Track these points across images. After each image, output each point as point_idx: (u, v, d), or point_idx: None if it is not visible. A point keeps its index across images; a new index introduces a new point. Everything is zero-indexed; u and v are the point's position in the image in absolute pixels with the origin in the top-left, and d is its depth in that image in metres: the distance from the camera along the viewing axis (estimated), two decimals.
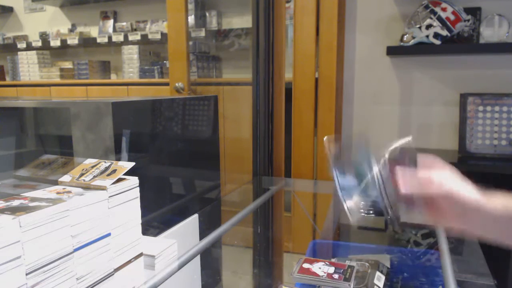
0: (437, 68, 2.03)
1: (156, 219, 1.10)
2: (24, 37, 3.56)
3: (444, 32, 1.82)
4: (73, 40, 3.17)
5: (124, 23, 3.18)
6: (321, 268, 0.81)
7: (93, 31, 3.34)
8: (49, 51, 3.41)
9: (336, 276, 0.79)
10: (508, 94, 1.83)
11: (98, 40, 3.10)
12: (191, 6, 2.72)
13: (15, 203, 0.51)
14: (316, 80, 2.07)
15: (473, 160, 1.83)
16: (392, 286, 0.84)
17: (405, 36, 1.90)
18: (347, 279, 0.77)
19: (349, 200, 0.65)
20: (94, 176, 0.62)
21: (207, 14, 2.84)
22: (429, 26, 1.83)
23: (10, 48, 3.54)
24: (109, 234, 0.60)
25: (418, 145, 2.11)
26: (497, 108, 1.84)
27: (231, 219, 1.14)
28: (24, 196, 0.54)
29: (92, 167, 0.64)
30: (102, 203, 0.59)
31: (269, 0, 1.67)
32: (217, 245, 1.35)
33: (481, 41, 1.91)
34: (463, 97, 1.89)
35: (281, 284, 0.79)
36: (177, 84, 2.35)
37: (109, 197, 0.60)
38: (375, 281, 0.79)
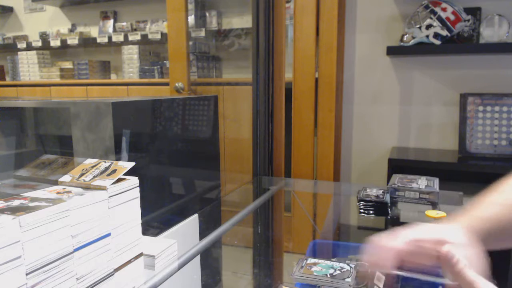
0: (437, 68, 2.03)
1: (156, 219, 1.10)
2: (24, 37, 3.56)
3: (444, 32, 1.82)
4: (73, 40, 3.17)
5: (124, 23, 3.18)
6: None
7: (93, 31, 3.34)
8: (49, 51, 3.41)
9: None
10: (508, 94, 1.83)
11: (98, 40, 3.10)
12: (191, 6, 2.72)
13: (15, 203, 0.51)
14: (316, 80, 2.07)
15: (473, 160, 1.83)
16: (392, 286, 0.84)
17: (405, 36, 1.90)
18: (347, 279, 0.78)
19: None
20: (94, 176, 0.62)
21: (207, 14, 2.84)
22: (429, 26, 1.83)
23: (10, 48, 3.54)
24: (109, 234, 0.60)
25: (418, 145, 2.11)
26: (497, 108, 1.84)
27: (231, 219, 1.14)
28: (24, 196, 0.54)
29: (92, 167, 0.64)
30: (102, 203, 0.59)
31: (269, 0, 1.67)
32: (217, 245, 1.35)
33: (481, 41, 1.91)
34: (463, 97, 1.89)
35: (281, 284, 0.78)
36: (177, 84, 2.35)
37: (109, 197, 0.60)
38: (375, 281, 0.79)
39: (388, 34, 2.09)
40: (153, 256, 0.70)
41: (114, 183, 0.61)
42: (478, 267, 0.55)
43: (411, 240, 0.59)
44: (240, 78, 2.69)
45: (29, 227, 0.47)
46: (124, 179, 0.64)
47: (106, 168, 0.63)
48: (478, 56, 1.96)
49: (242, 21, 2.83)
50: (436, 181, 1.24)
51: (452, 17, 1.81)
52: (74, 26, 3.42)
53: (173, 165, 1.20)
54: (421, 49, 1.91)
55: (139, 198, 0.67)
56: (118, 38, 3.02)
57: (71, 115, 0.96)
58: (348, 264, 0.82)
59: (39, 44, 3.33)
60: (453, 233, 0.58)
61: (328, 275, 0.79)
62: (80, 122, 0.95)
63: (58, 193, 0.57)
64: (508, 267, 1.56)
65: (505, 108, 1.83)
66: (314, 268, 0.80)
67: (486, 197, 0.65)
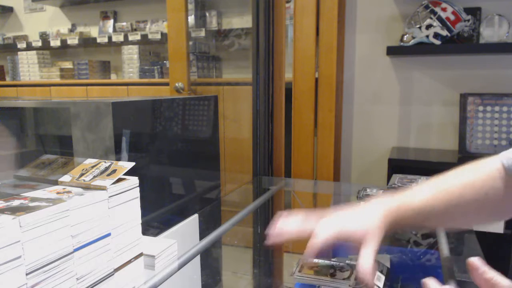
0: (437, 68, 2.03)
1: (156, 219, 1.10)
2: (24, 37, 3.56)
3: (444, 32, 1.82)
4: (73, 40, 3.17)
5: (124, 23, 3.18)
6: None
7: (93, 31, 3.34)
8: (49, 51, 3.41)
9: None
10: (508, 94, 1.83)
11: (98, 40, 3.10)
12: (191, 6, 2.72)
13: (15, 203, 0.51)
14: (316, 80, 2.07)
15: (473, 160, 1.83)
16: (392, 286, 0.84)
17: (405, 36, 1.90)
18: (347, 279, 0.78)
19: None
20: (94, 176, 0.62)
21: (207, 14, 2.84)
22: (429, 26, 1.83)
23: (10, 48, 3.54)
24: (109, 234, 0.60)
25: (418, 145, 2.11)
26: (497, 108, 1.84)
27: (231, 219, 1.14)
28: (24, 196, 0.54)
29: (92, 167, 0.64)
30: (102, 203, 0.59)
31: (269, 0, 1.67)
32: (217, 245, 1.35)
33: (481, 41, 1.91)
34: (463, 97, 1.89)
35: (281, 284, 0.78)
36: (177, 84, 2.35)
37: (109, 197, 0.60)
38: (375, 281, 0.79)
39: (388, 34, 2.09)
40: (153, 256, 0.70)
41: (114, 183, 0.61)
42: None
43: (334, 233, 0.69)
44: (240, 78, 2.69)
45: (29, 227, 0.47)
46: (124, 179, 0.64)
47: (106, 168, 0.63)
48: (478, 56, 1.96)
49: (242, 21, 2.83)
50: None
51: (452, 17, 1.81)
52: (74, 26, 3.42)
53: (173, 165, 1.20)
54: (421, 49, 1.91)
55: (139, 198, 0.67)
56: (118, 38, 3.02)
57: (71, 115, 0.96)
58: (348, 264, 0.82)
59: (39, 44, 3.33)
60: (369, 224, 0.67)
61: (328, 275, 0.79)
62: (80, 122, 0.95)
63: (58, 193, 0.57)
64: (508, 267, 1.55)
65: (505, 108, 1.83)
66: (314, 268, 0.80)
67: (427, 182, 0.71)
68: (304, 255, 0.70)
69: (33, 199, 0.53)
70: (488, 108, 1.85)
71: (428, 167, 1.78)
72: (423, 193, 0.69)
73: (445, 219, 0.69)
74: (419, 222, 0.70)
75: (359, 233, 0.67)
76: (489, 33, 1.88)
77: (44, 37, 3.42)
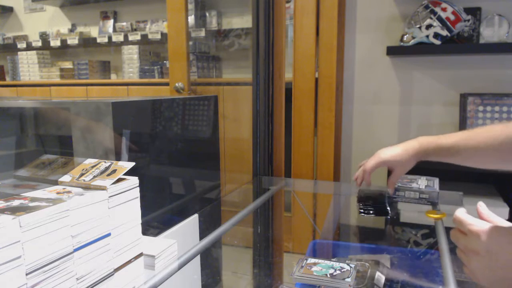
0: (437, 68, 2.03)
1: (156, 219, 1.10)
2: (24, 37, 3.56)
3: (444, 32, 1.82)
4: (73, 40, 3.17)
5: (124, 23, 3.18)
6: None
7: (93, 31, 3.34)
8: (49, 51, 3.41)
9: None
10: (508, 94, 1.83)
11: (98, 40, 3.10)
12: (191, 6, 2.72)
13: (15, 203, 0.51)
14: (316, 80, 2.07)
15: None
16: (392, 286, 0.84)
17: (405, 36, 1.90)
18: (347, 279, 0.78)
19: None
20: (94, 176, 0.62)
21: (207, 14, 2.84)
22: (429, 26, 1.83)
23: (10, 48, 3.54)
24: (109, 234, 0.60)
25: None
26: (497, 108, 1.84)
27: (231, 219, 1.14)
28: (24, 196, 0.54)
29: (92, 167, 0.64)
30: (102, 203, 0.59)
31: (269, 0, 1.67)
32: (217, 245, 1.35)
33: (481, 41, 1.91)
34: (463, 97, 1.89)
35: (281, 284, 0.78)
36: (177, 84, 2.35)
37: (109, 197, 0.60)
38: (375, 281, 0.79)
39: (388, 34, 2.09)
40: (153, 256, 0.70)
41: (114, 183, 0.61)
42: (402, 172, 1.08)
43: (377, 162, 1.12)
44: (240, 78, 2.69)
45: (29, 227, 0.47)
46: (124, 179, 0.64)
47: (106, 168, 0.63)
48: (478, 56, 1.96)
49: (242, 21, 2.82)
50: (436, 181, 1.24)
51: (452, 17, 1.81)
52: (74, 26, 3.42)
53: (173, 165, 1.20)
54: (421, 49, 1.91)
55: (139, 198, 0.67)
56: (118, 38, 3.02)
57: (71, 115, 0.96)
58: (348, 264, 0.82)
59: (39, 44, 3.33)
60: (392, 152, 1.06)
61: (328, 275, 0.79)
62: (80, 122, 0.95)
63: (58, 193, 0.57)
64: None
65: (505, 108, 1.83)
66: (314, 268, 0.80)
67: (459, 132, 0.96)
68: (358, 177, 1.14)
69: (33, 199, 0.53)
70: (488, 108, 1.85)
71: (428, 167, 1.78)
72: (454, 136, 0.94)
73: (467, 158, 0.91)
74: (447, 157, 0.94)
75: (392, 164, 1.05)
76: (489, 33, 1.88)
77: (44, 37, 3.42)
